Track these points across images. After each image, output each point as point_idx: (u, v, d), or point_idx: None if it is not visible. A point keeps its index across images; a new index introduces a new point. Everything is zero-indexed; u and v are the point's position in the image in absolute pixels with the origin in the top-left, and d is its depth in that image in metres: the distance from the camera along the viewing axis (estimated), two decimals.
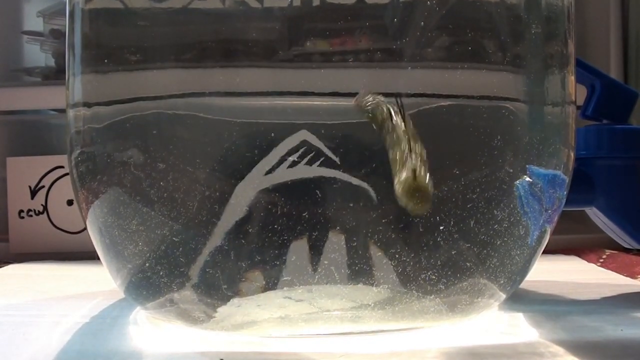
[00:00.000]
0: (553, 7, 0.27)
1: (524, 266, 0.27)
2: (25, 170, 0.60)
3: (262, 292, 0.23)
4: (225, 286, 0.24)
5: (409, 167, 0.22)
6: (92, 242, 0.28)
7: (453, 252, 0.24)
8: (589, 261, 0.49)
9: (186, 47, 0.24)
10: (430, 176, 0.22)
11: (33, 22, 0.68)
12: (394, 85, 0.24)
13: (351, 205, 0.23)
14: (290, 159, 0.23)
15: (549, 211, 0.27)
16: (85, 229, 0.28)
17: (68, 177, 0.49)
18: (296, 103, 0.23)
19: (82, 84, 0.27)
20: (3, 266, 0.51)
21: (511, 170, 0.25)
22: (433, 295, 0.24)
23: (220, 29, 0.24)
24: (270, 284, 0.23)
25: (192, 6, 0.24)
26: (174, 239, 0.24)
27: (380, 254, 0.23)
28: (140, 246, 0.25)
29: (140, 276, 0.26)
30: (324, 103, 0.23)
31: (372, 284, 0.23)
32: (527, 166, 0.25)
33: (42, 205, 0.59)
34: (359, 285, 0.23)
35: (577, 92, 0.29)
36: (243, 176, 0.23)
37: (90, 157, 0.26)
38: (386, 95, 0.23)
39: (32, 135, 0.68)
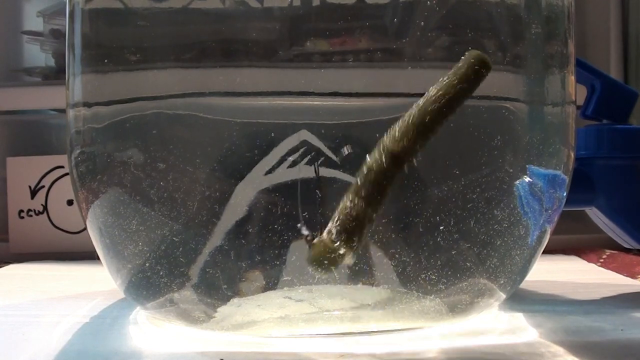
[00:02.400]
0: (553, 7, 0.27)
1: (524, 266, 0.27)
2: (25, 170, 0.60)
3: (262, 292, 0.23)
4: (225, 286, 0.24)
5: (329, 228, 0.21)
6: (92, 242, 0.28)
7: (453, 252, 0.24)
8: (589, 261, 0.49)
9: (186, 47, 0.24)
10: (354, 238, 0.21)
11: (33, 22, 0.68)
12: (394, 85, 0.24)
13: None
14: (290, 159, 0.23)
15: (549, 211, 0.27)
16: (85, 229, 0.28)
17: (68, 177, 0.49)
18: (296, 103, 0.23)
19: (82, 84, 0.27)
20: (3, 266, 0.51)
21: (511, 170, 0.25)
22: (433, 296, 0.24)
23: (220, 29, 0.24)
24: (270, 284, 0.23)
25: (192, 6, 0.24)
26: (174, 239, 0.24)
27: (380, 254, 0.23)
28: (140, 246, 0.25)
29: (140, 276, 0.26)
30: (324, 103, 0.23)
31: (372, 284, 0.23)
32: (527, 166, 0.25)
33: (42, 205, 0.59)
34: (359, 285, 0.23)
35: (577, 92, 0.29)
36: (243, 176, 0.23)
37: (90, 157, 0.26)
38: (387, 95, 0.23)
39: (32, 135, 0.68)
